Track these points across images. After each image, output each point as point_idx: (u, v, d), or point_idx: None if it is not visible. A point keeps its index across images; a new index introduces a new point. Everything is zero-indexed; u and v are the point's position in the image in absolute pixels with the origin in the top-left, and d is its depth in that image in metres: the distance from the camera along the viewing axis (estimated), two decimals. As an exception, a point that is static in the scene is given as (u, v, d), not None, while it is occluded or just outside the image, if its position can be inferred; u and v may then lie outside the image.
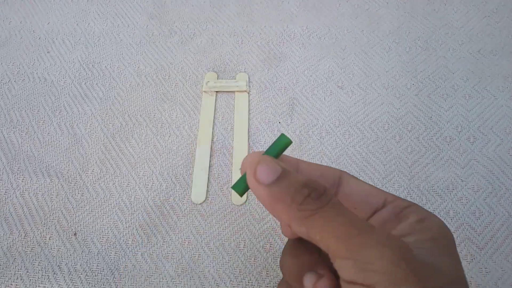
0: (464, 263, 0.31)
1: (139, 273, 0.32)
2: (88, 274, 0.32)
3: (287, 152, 0.22)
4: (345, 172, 0.22)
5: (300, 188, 0.17)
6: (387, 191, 0.22)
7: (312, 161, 0.21)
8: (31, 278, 0.32)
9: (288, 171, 0.18)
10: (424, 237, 0.18)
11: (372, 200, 0.20)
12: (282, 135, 0.20)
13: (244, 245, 0.33)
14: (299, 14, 0.45)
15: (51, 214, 0.34)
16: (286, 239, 0.33)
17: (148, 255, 0.33)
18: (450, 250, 0.18)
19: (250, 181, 0.18)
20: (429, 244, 0.18)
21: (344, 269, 0.16)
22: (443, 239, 0.18)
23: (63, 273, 0.32)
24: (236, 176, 0.36)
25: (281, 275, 0.31)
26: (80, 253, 0.33)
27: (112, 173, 0.36)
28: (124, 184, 0.36)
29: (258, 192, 0.18)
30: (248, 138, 0.37)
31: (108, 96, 0.40)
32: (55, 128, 0.39)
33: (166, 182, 0.36)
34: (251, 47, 0.43)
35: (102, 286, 0.32)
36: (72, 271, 0.32)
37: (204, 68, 0.42)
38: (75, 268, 0.32)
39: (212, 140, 0.38)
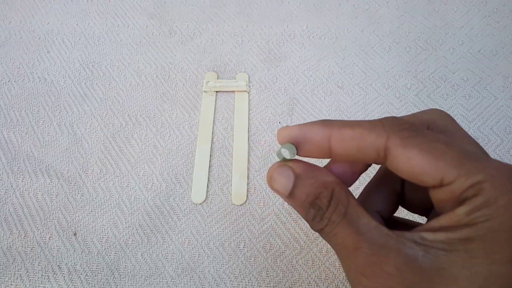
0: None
1: (139, 273, 0.32)
2: (88, 274, 0.32)
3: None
4: (393, 138, 0.16)
5: (308, 208, 0.18)
6: None
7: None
8: (31, 278, 0.32)
9: (297, 185, 0.18)
10: (457, 235, 0.14)
11: (426, 179, 0.16)
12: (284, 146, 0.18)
13: (244, 245, 0.33)
14: (299, 14, 0.45)
15: (51, 214, 0.34)
16: (286, 240, 0.33)
17: (148, 255, 0.33)
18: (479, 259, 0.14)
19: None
20: (460, 246, 0.14)
21: None
22: (483, 240, 0.14)
23: (63, 273, 0.32)
24: (236, 176, 0.36)
25: (280, 275, 0.31)
26: (80, 253, 0.33)
27: (112, 173, 0.36)
28: (124, 184, 0.36)
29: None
30: (248, 138, 0.37)
31: (108, 96, 0.40)
32: (55, 128, 0.39)
33: (166, 182, 0.36)
34: (251, 47, 0.43)
35: (102, 286, 0.32)
36: (72, 271, 0.32)
37: (204, 68, 0.42)
38: (75, 268, 0.32)
39: (212, 140, 0.38)
